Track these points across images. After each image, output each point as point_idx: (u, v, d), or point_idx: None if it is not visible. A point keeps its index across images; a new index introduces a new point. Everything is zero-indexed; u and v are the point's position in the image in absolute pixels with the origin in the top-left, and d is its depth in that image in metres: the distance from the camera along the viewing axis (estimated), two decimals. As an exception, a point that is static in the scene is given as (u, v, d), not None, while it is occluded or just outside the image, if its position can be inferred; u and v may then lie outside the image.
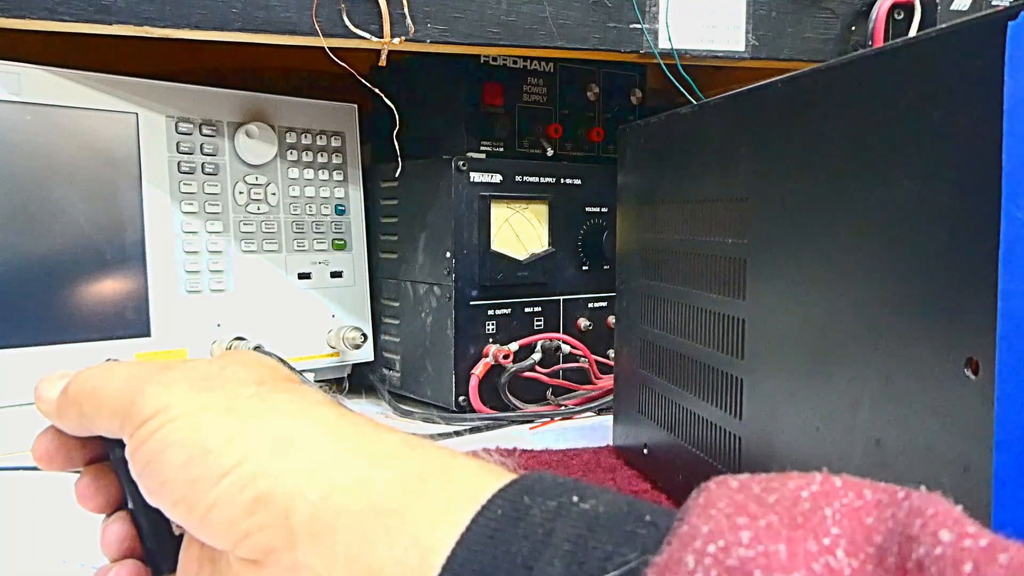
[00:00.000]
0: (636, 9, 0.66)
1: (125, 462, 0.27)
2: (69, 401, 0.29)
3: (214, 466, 0.24)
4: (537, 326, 0.76)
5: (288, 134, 0.76)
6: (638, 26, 0.66)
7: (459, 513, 0.21)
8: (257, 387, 0.27)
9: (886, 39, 0.68)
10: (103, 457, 0.30)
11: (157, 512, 0.27)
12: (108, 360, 0.32)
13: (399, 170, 0.77)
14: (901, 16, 0.68)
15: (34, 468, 0.53)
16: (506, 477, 0.22)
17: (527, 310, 0.76)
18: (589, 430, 0.67)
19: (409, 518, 0.21)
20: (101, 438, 0.29)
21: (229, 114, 0.72)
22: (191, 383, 0.27)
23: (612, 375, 0.64)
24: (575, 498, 0.20)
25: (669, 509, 0.20)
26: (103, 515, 0.31)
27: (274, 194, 0.75)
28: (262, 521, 0.23)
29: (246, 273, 0.72)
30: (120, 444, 0.28)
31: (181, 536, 0.28)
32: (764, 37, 0.68)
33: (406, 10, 0.61)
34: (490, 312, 0.73)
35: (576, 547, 0.19)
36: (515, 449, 0.60)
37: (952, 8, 0.69)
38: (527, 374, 0.73)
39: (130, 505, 0.30)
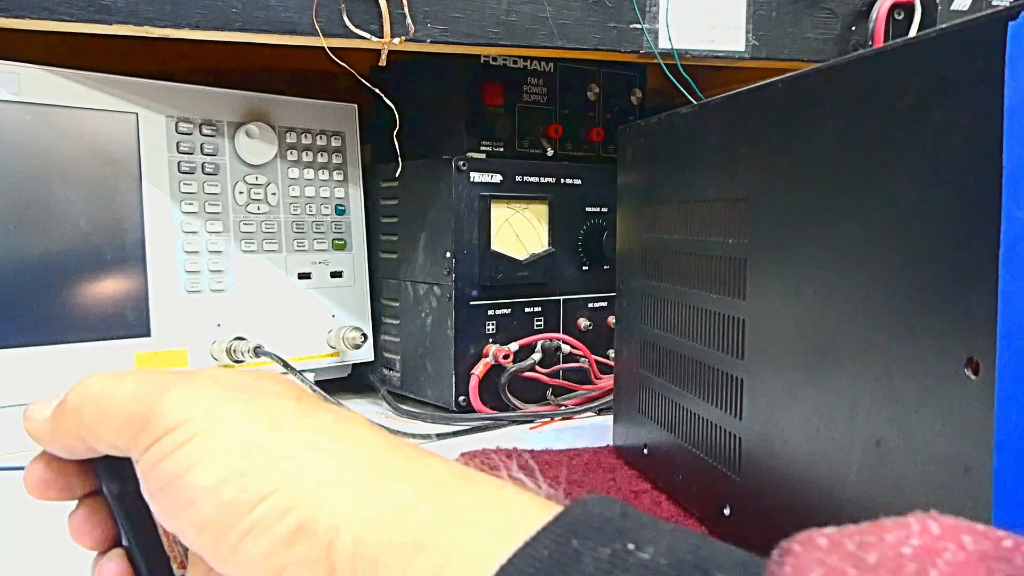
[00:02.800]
0: (636, 9, 0.66)
1: (121, 494, 0.26)
2: (67, 412, 0.26)
3: (251, 489, 0.21)
4: (537, 326, 0.76)
5: (288, 134, 0.76)
6: (638, 26, 0.66)
7: (505, 553, 0.19)
8: (296, 403, 0.25)
9: (886, 39, 0.68)
10: (98, 489, 0.28)
11: (156, 550, 0.26)
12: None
13: (399, 170, 0.77)
14: (901, 16, 0.68)
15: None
16: (553, 511, 0.20)
17: (527, 310, 0.76)
18: (589, 430, 0.67)
19: (453, 555, 0.20)
20: (93, 468, 0.27)
21: (229, 114, 0.72)
22: (222, 391, 0.24)
23: (612, 375, 0.64)
24: (630, 545, 0.18)
25: (740, 555, 0.18)
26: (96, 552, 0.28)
27: (274, 194, 0.75)
28: (303, 554, 0.21)
29: (246, 273, 0.72)
30: (116, 474, 0.26)
31: None
32: (764, 37, 0.68)
33: (406, 10, 0.61)
34: (490, 312, 0.73)
35: None
36: (515, 449, 0.60)
37: (952, 8, 0.69)
38: (527, 374, 0.73)
39: (125, 542, 0.27)
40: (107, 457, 0.26)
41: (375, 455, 0.23)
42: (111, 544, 0.28)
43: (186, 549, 0.26)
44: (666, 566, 0.17)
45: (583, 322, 0.79)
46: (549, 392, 0.76)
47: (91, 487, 0.28)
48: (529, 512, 0.20)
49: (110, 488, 0.26)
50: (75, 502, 0.28)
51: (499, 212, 0.73)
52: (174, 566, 0.27)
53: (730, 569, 0.17)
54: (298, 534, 0.21)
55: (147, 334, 0.66)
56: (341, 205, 0.79)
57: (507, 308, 0.74)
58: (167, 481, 0.23)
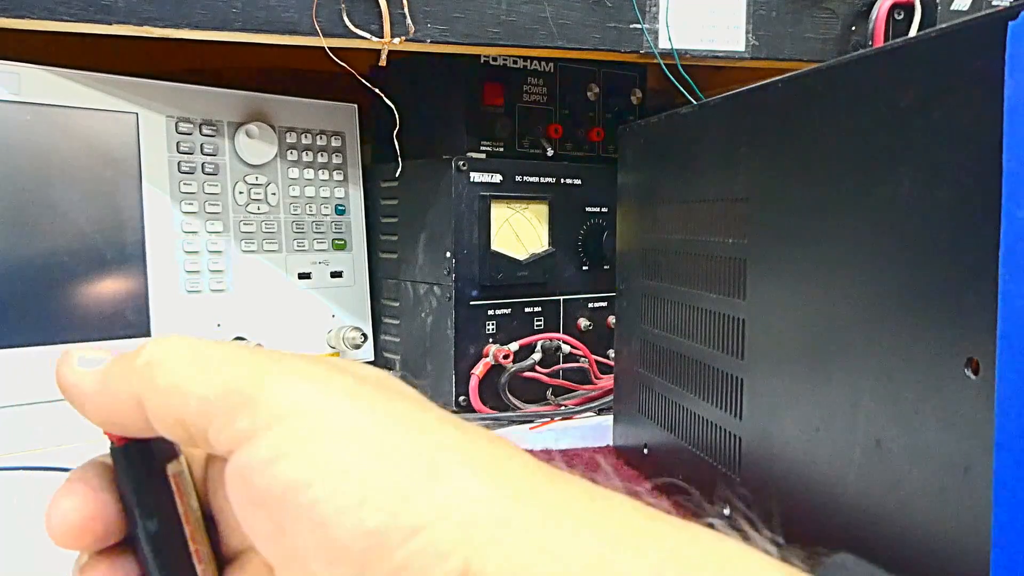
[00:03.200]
0: (636, 9, 0.66)
1: (157, 534, 0.21)
2: (136, 368, 0.20)
3: (403, 517, 0.16)
4: (537, 326, 0.76)
5: (288, 134, 0.76)
6: (638, 26, 0.66)
7: None
8: (438, 410, 0.20)
9: (886, 39, 0.68)
10: (122, 534, 0.22)
11: (178, 545, 0.22)
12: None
13: (399, 170, 0.77)
14: (901, 16, 0.68)
15: (34, 468, 0.54)
16: (796, 573, 0.16)
17: (527, 310, 0.76)
18: (589, 430, 0.67)
19: None
20: (124, 502, 0.22)
21: (229, 114, 0.72)
22: (350, 381, 0.19)
23: (612, 375, 0.64)
24: None
25: None
26: None
27: (274, 194, 0.75)
28: None
29: (246, 273, 0.72)
30: (155, 509, 0.21)
31: None
32: (764, 37, 0.68)
33: (406, 10, 0.61)
34: (490, 312, 0.73)
35: None
36: (515, 449, 0.60)
37: (952, 8, 0.69)
38: (527, 374, 0.73)
39: (136, 533, 0.22)
40: (143, 484, 0.21)
41: (548, 486, 0.18)
42: (113, 540, 0.22)
43: (209, 540, 0.23)
44: None
45: (583, 322, 0.79)
46: (549, 392, 0.76)
47: (121, 532, 0.22)
48: (768, 572, 0.16)
49: (147, 526, 0.22)
50: None
51: (499, 212, 0.73)
52: (195, 562, 0.23)
53: None
54: None
55: (147, 334, 0.66)
56: (341, 205, 0.79)
57: (507, 308, 0.74)
58: (281, 492, 0.17)
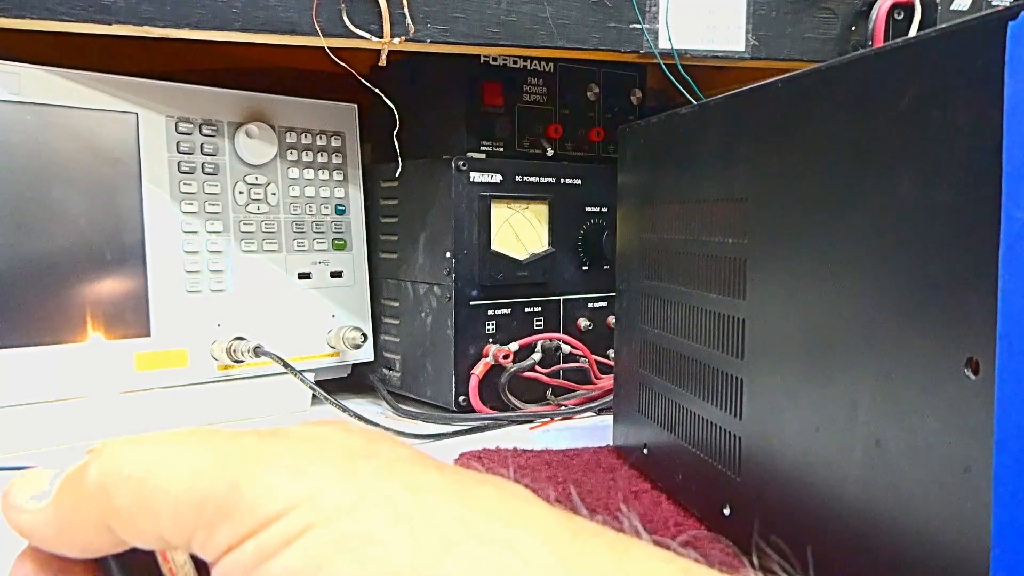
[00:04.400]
0: (636, 9, 0.66)
1: None
2: (89, 497, 0.18)
3: None
4: (537, 326, 0.76)
5: (288, 134, 0.76)
6: (638, 26, 0.66)
7: None
8: (440, 473, 0.18)
9: (886, 39, 0.68)
10: None
11: None
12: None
13: (399, 170, 0.77)
14: (901, 16, 0.68)
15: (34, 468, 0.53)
16: None
17: (527, 310, 0.76)
18: (589, 430, 0.67)
19: None
20: (100, 566, 0.20)
21: (229, 114, 0.72)
22: (336, 460, 0.17)
23: (612, 375, 0.64)
24: None
25: None
26: None
27: (274, 194, 0.75)
28: None
29: (246, 273, 0.72)
30: (134, 571, 0.20)
31: None
32: (764, 37, 0.68)
33: (406, 10, 0.61)
34: (490, 312, 0.73)
35: None
36: (515, 449, 0.60)
37: (952, 8, 0.69)
38: (527, 374, 0.73)
39: None
40: (124, 553, 0.20)
41: (563, 543, 0.17)
42: None
43: None
44: None
45: (583, 322, 0.79)
46: (549, 392, 0.76)
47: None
48: None
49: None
50: None
51: (499, 212, 0.73)
52: None
53: None
54: None
55: (147, 334, 0.66)
56: (341, 205, 0.79)
57: (507, 308, 0.74)
58: None
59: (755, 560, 0.18)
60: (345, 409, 0.67)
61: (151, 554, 0.20)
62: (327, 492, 0.16)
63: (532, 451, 0.59)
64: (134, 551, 0.20)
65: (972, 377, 0.26)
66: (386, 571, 0.15)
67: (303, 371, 0.71)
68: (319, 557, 0.16)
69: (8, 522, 0.19)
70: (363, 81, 0.70)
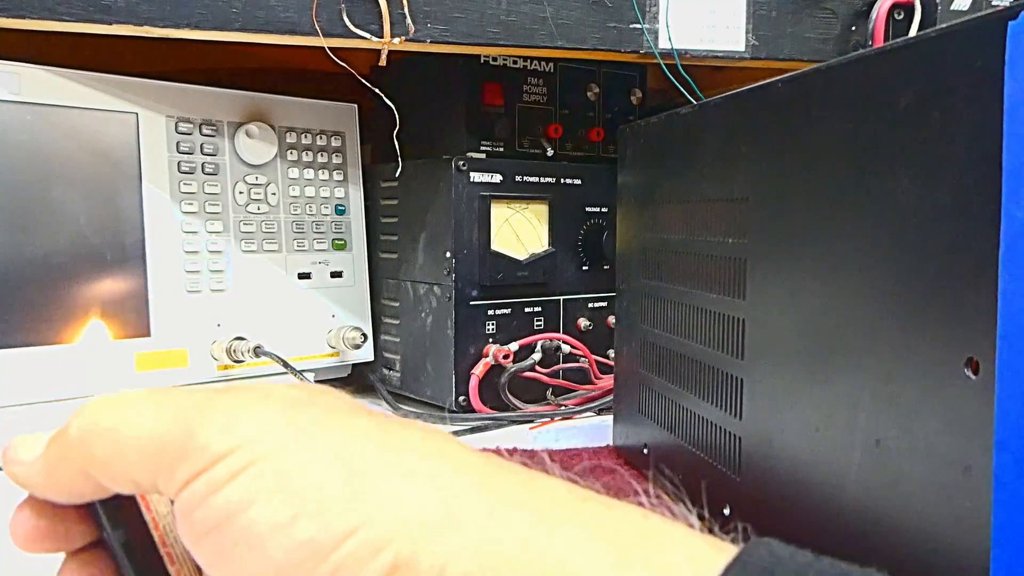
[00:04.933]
0: (636, 9, 0.66)
1: (128, 542, 0.22)
2: (70, 447, 0.21)
3: (334, 523, 0.17)
4: (537, 326, 0.76)
5: (288, 134, 0.76)
6: (638, 26, 0.66)
7: None
8: (370, 419, 0.20)
9: (886, 39, 0.68)
10: (93, 537, 0.23)
11: None
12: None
13: (399, 170, 0.77)
14: (901, 16, 0.68)
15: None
16: (726, 550, 0.16)
17: (527, 310, 0.76)
18: (589, 430, 0.67)
19: None
20: (92, 512, 0.23)
21: (229, 114, 0.72)
22: (279, 407, 0.20)
23: (612, 375, 0.64)
24: None
25: None
26: None
27: (274, 194, 0.75)
28: None
29: (246, 273, 0.72)
30: (121, 519, 0.23)
31: None
32: (764, 37, 0.68)
33: (406, 10, 0.61)
34: (490, 312, 0.73)
35: None
36: (515, 449, 0.60)
37: (952, 8, 0.69)
38: (527, 374, 0.73)
39: None
40: (108, 499, 0.22)
41: (478, 475, 0.19)
42: (81, 543, 0.24)
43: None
44: None
45: (583, 322, 0.79)
46: (549, 392, 0.76)
47: (90, 535, 0.23)
48: (696, 548, 0.17)
49: (114, 535, 0.23)
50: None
51: (499, 212, 0.73)
52: (167, 564, 0.24)
53: None
54: (395, 574, 0.17)
55: (147, 334, 0.66)
56: (341, 205, 0.79)
57: (507, 308, 0.74)
58: (220, 520, 0.18)
59: (650, 488, 0.20)
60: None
61: (133, 500, 0.23)
62: (268, 434, 0.19)
63: (532, 451, 0.59)
64: (118, 498, 0.22)
65: (972, 377, 0.26)
66: (315, 501, 0.18)
67: (303, 371, 0.71)
68: (257, 489, 0.18)
69: (7, 474, 0.22)
70: (363, 81, 0.70)
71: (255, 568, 0.18)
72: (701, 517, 0.19)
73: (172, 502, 0.20)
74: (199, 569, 0.24)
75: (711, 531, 0.18)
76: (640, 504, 0.19)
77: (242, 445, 0.19)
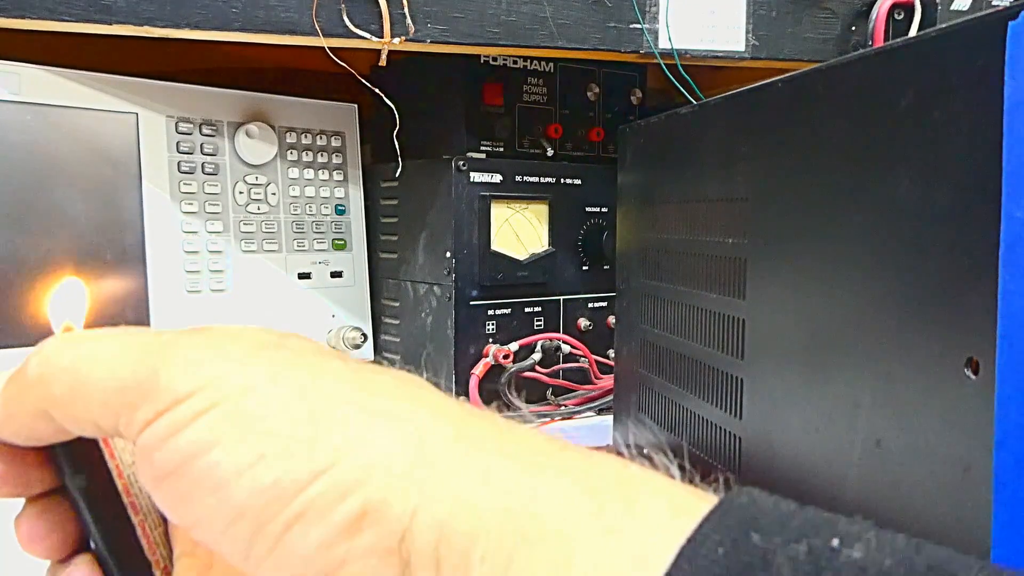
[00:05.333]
0: (636, 9, 0.66)
1: (89, 487, 0.22)
2: (27, 387, 0.20)
3: (300, 466, 0.17)
4: (537, 326, 0.76)
5: (288, 134, 0.76)
6: (638, 26, 0.66)
7: (661, 545, 0.15)
8: (342, 361, 0.20)
9: (886, 39, 0.68)
10: (53, 484, 0.23)
11: (134, 554, 0.22)
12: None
13: (399, 170, 0.77)
14: (901, 16, 0.68)
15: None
16: (707, 499, 0.16)
17: (527, 310, 0.76)
18: (589, 430, 0.67)
19: (583, 547, 0.15)
20: (51, 456, 0.22)
21: (229, 114, 0.72)
22: (247, 348, 0.19)
23: (612, 375, 0.64)
24: (834, 540, 0.14)
25: (981, 562, 0.14)
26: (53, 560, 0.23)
27: (274, 194, 0.75)
28: (369, 544, 0.16)
29: (246, 273, 0.72)
30: (82, 463, 0.22)
31: None
32: (764, 37, 0.68)
33: (406, 10, 0.61)
34: (490, 312, 0.73)
35: None
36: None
37: (952, 8, 0.69)
38: (527, 374, 0.73)
39: (93, 546, 0.22)
40: (70, 442, 0.21)
41: (453, 420, 0.18)
42: (73, 550, 0.23)
43: (170, 552, 0.23)
44: (892, 567, 0.14)
45: (583, 322, 0.79)
46: (549, 392, 0.76)
47: (50, 481, 0.22)
48: (675, 496, 0.16)
49: (75, 481, 0.22)
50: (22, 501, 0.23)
51: (499, 212, 0.73)
52: (156, 573, 0.23)
53: (982, 570, 0.14)
54: (363, 520, 0.17)
55: (147, 334, 0.66)
56: (341, 205, 0.79)
57: (507, 308, 0.74)
58: (181, 462, 0.18)
59: (631, 442, 0.19)
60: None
61: (96, 446, 0.22)
62: (233, 375, 0.18)
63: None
64: (81, 444, 0.22)
65: (972, 377, 0.26)
66: (280, 442, 0.17)
67: (303, 371, 0.71)
68: (220, 430, 0.17)
69: None
70: (363, 81, 0.70)
71: (217, 512, 0.17)
72: (682, 468, 0.19)
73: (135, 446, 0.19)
74: (164, 520, 0.23)
75: (691, 482, 0.17)
76: (620, 455, 0.18)
77: (206, 386, 0.18)
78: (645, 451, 0.19)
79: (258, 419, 0.17)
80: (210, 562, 0.22)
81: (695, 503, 0.16)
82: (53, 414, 0.20)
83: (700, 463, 0.46)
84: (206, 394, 0.18)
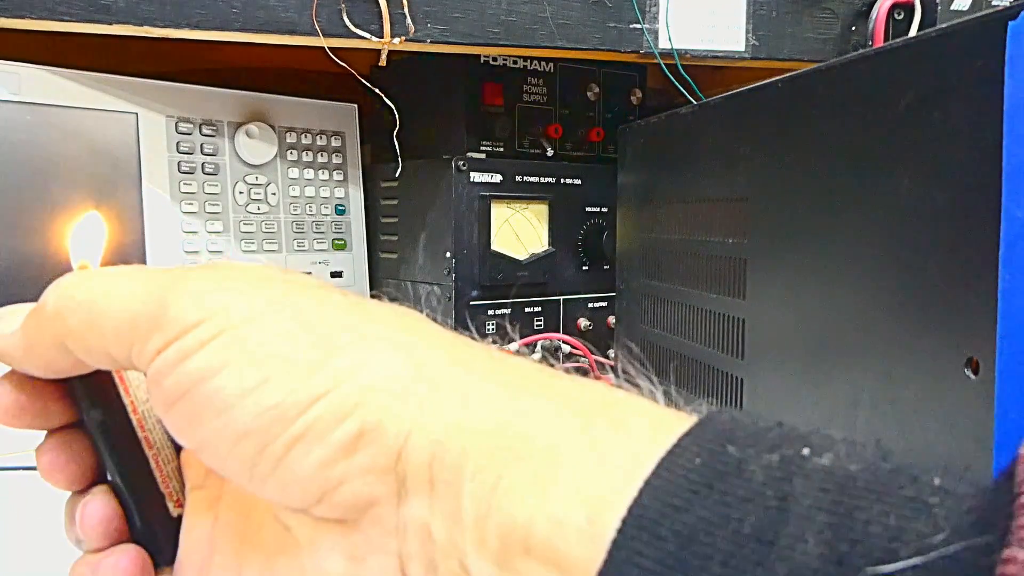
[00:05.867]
0: (636, 9, 0.66)
1: (105, 421, 0.23)
2: (47, 319, 0.21)
3: (300, 389, 0.18)
4: (537, 326, 0.76)
5: (288, 134, 0.76)
6: (638, 26, 0.66)
7: (642, 457, 0.15)
8: (342, 295, 0.21)
9: (886, 39, 0.68)
10: (73, 418, 0.24)
11: (148, 486, 0.23)
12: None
13: (399, 170, 0.77)
14: (901, 16, 0.68)
15: (34, 468, 0.53)
16: (688, 419, 0.17)
17: (527, 310, 0.76)
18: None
19: (569, 462, 0.16)
20: (70, 391, 0.23)
21: (229, 114, 0.72)
22: (251, 281, 0.20)
23: (612, 375, 0.64)
24: (804, 449, 0.15)
25: (944, 468, 0.15)
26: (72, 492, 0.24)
27: (274, 194, 0.75)
28: (366, 463, 0.17)
29: (246, 273, 0.72)
30: (99, 397, 0.23)
31: (179, 518, 0.24)
32: (764, 37, 0.68)
33: (406, 10, 0.61)
34: (490, 312, 0.73)
35: (837, 519, 0.13)
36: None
37: (952, 8, 0.69)
38: (527, 374, 0.73)
39: (110, 478, 0.24)
40: (88, 377, 0.23)
41: (449, 348, 0.19)
42: (91, 482, 0.24)
43: (183, 485, 0.24)
44: (859, 471, 0.14)
45: (583, 322, 0.79)
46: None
47: (70, 415, 0.23)
48: (658, 416, 0.17)
49: (92, 415, 0.23)
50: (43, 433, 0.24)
51: (499, 212, 0.73)
52: (170, 504, 0.24)
53: (946, 475, 0.14)
54: (360, 440, 0.17)
55: (147, 334, 0.66)
56: (341, 205, 0.79)
57: (507, 308, 0.74)
58: (189, 386, 0.18)
59: (618, 367, 0.20)
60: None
61: (112, 382, 0.23)
62: (237, 305, 0.19)
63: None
64: (98, 379, 0.23)
65: (972, 377, 0.26)
66: (282, 367, 0.18)
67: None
68: (225, 356, 0.18)
69: None
70: (363, 81, 0.70)
71: (223, 433, 0.18)
72: (667, 394, 0.19)
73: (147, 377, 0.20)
74: (177, 454, 0.24)
75: (676, 407, 0.18)
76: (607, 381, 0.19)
77: (212, 316, 0.19)
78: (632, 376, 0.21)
79: (261, 345, 0.18)
80: (219, 494, 0.23)
81: (677, 422, 0.16)
82: (69, 346, 0.21)
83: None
84: (212, 323, 0.19)
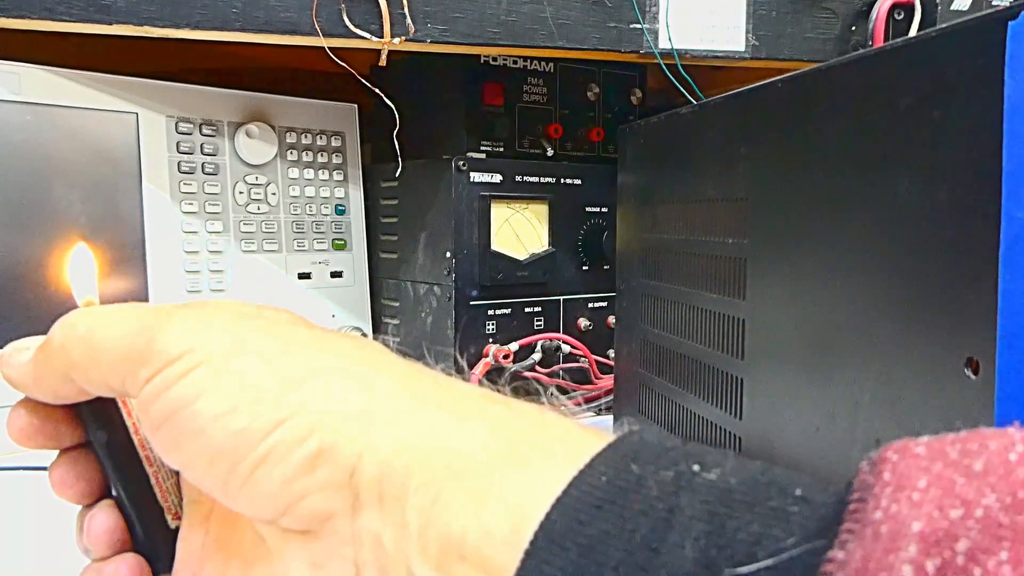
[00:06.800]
0: (636, 9, 0.66)
1: (109, 441, 0.25)
2: (53, 352, 0.24)
3: (265, 415, 0.20)
4: (537, 326, 0.76)
5: (288, 134, 0.76)
6: (638, 26, 0.66)
7: (561, 476, 0.17)
8: (308, 329, 0.23)
9: (886, 39, 0.68)
10: (81, 439, 0.26)
11: (148, 500, 0.25)
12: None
13: (399, 170, 0.77)
14: (901, 16, 0.68)
15: (34, 468, 0.54)
16: (606, 441, 0.19)
17: (527, 310, 0.76)
18: (589, 430, 0.67)
19: (498, 480, 0.18)
20: (78, 414, 0.26)
21: (229, 114, 0.72)
22: (229, 318, 0.23)
23: (612, 375, 0.64)
24: (695, 466, 0.17)
25: (814, 481, 0.16)
26: (81, 506, 0.27)
27: (274, 194, 0.75)
28: (324, 479, 0.20)
29: (246, 273, 0.72)
30: (103, 420, 0.25)
31: (176, 530, 0.26)
32: (764, 37, 0.68)
33: (406, 10, 0.61)
34: (490, 312, 0.73)
35: (711, 527, 0.15)
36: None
37: (952, 8, 0.69)
38: (527, 374, 0.73)
39: (114, 493, 0.26)
40: (93, 402, 0.25)
41: (399, 378, 0.22)
42: (97, 496, 0.26)
43: (180, 499, 0.26)
44: (737, 484, 0.16)
45: (583, 322, 0.79)
46: (550, 392, 0.76)
47: (78, 436, 0.26)
48: (578, 439, 0.19)
49: (97, 436, 0.26)
50: (55, 452, 0.27)
51: (499, 212, 0.73)
52: (168, 517, 0.26)
53: (810, 487, 0.16)
54: (318, 459, 0.20)
55: (147, 334, 0.66)
56: (341, 205, 0.79)
57: (507, 308, 0.74)
58: (171, 412, 0.21)
59: (552, 391, 0.22)
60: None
61: (115, 407, 0.26)
62: (215, 340, 0.22)
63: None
64: (102, 404, 0.25)
65: (972, 377, 0.26)
66: (250, 396, 0.21)
67: (303, 371, 0.71)
68: (203, 385, 0.21)
69: (2, 375, 0.25)
70: (363, 81, 0.70)
71: (199, 454, 0.21)
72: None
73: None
74: (176, 471, 0.26)
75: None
76: (542, 404, 0.22)
77: (193, 349, 0.21)
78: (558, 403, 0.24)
79: (233, 377, 0.21)
80: (211, 508, 0.25)
81: (595, 444, 0.18)
82: (73, 376, 0.23)
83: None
84: (192, 355, 0.21)
